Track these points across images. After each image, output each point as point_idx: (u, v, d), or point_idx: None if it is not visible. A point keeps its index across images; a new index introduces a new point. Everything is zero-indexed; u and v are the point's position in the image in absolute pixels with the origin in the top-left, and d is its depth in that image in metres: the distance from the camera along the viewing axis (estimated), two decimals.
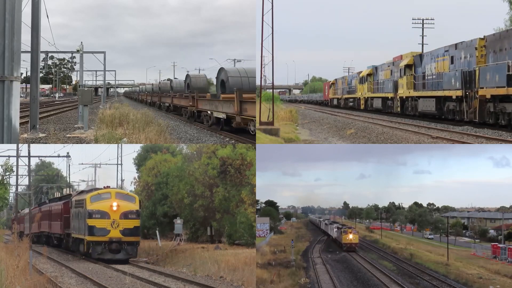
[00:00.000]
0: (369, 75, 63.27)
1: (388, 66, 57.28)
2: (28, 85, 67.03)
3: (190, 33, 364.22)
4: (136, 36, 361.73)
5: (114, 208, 27.23)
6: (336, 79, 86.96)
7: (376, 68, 61.02)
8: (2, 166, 41.73)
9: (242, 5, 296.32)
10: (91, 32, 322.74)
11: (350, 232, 41.02)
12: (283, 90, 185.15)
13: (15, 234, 40.68)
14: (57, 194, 57.42)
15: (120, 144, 54.37)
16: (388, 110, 54.13)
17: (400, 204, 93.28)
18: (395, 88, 52.21)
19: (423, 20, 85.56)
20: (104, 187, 29.98)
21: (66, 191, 59.22)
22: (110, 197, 27.86)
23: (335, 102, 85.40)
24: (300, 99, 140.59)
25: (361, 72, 67.93)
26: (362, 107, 64.55)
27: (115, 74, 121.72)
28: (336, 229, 46.26)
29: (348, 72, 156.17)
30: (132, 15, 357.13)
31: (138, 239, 27.52)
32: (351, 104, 71.53)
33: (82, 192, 32.50)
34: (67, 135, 31.45)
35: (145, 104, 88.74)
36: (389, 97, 54.26)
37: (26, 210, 54.24)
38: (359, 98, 66.83)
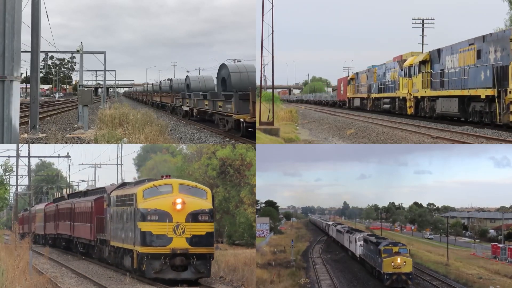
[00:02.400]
0: (423, 63, 42.73)
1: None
2: (28, 85, 67.04)
3: (189, 33, 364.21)
4: (135, 36, 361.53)
5: (178, 207, 19.81)
6: (357, 73, 70.93)
7: (439, 51, 40.26)
8: (2, 166, 41.73)
9: (241, 5, 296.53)
10: (91, 32, 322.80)
11: (397, 253, 24.10)
12: (285, 89, 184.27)
13: (15, 234, 40.65)
14: (57, 194, 57.32)
15: (120, 144, 54.39)
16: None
17: (400, 204, 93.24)
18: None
19: (423, 20, 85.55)
20: (162, 176, 21.97)
21: (66, 191, 59.13)
22: (172, 190, 20.53)
23: (356, 103, 68.08)
24: (306, 99, 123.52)
25: (403, 59, 49.75)
26: (409, 111, 45.55)
27: (115, 74, 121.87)
28: (364, 244, 29.68)
29: (348, 72, 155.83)
30: (131, 15, 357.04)
31: (212, 251, 20.06)
32: (386, 106, 53.67)
33: (123, 184, 25.63)
34: (67, 135, 31.44)
35: (155, 107, 75.44)
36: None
37: (40, 206, 49.12)
38: (402, 98, 48.25)
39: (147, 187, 20.62)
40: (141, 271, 20.33)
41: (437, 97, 39.06)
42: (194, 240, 19.56)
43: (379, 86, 57.25)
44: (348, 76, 76.69)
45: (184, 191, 20.46)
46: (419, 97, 43.08)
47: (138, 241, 20.02)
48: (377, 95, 58.21)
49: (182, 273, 19.54)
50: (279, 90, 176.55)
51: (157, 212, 19.71)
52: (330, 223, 58.11)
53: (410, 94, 45.44)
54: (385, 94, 54.53)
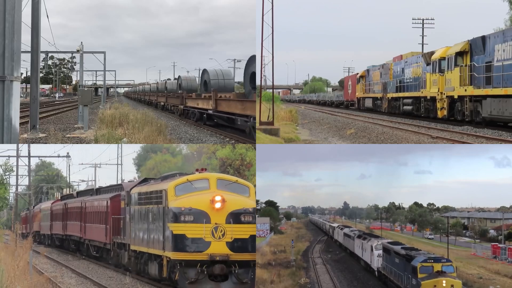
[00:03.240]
0: (460, 54, 35.11)
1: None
2: (28, 85, 67.05)
3: (189, 33, 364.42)
4: (135, 36, 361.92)
5: (218, 205, 17.00)
6: (367, 70, 63.15)
7: (483, 38, 32.72)
8: (1, 166, 41.74)
9: (240, 5, 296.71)
10: (90, 32, 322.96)
11: (441, 273, 17.55)
12: (287, 89, 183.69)
13: (15, 233, 40.59)
14: (57, 194, 57.28)
15: (120, 144, 54.40)
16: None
17: (400, 204, 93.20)
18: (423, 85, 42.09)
19: (423, 20, 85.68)
20: (197, 170, 18.92)
21: (66, 191, 59.11)
22: (209, 186, 17.76)
23: (367, 103, 60.58)
24: (308, 99, 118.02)
25: (429, 52, 42.31)
26: (440, 113, 37.82)
27: (115, 74, 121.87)
28: (384, 254, 23.58)
29: (348, 72, 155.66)
30: (131, 15, 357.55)
31: (255, 257, 17.53)
32: (408, 108, 45.61)
33: (145, 180, 22.82)
34: (67, 135, 31.44)
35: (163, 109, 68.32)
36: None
37: (46, 204, 47.07)
38: (430, 98, 40.56)
39: (179, 182, 17.71)
40: (172, 281, 17.40)
41: (484, 96, 31.19)
42: (236, 245, 16.87)
43: (398, 85, 49.38)
44: (357, 73, 68.40)
45: (223, 187, 17.76)
46: (455, 97, 35.12)
47: (169, 245, 17.13)
48: (394, 95, 50.05)
49: (222, 284, 16.75)
50: (280, 90, 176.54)
51: (192, 212, 16.91)
52: (335, 225, 51.64)
53: (441, 93, 37.54)
54: (406, 94, 46.83)
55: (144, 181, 22.74)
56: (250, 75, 34.82)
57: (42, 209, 46.13)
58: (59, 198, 43.90)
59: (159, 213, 18.24)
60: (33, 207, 53.54)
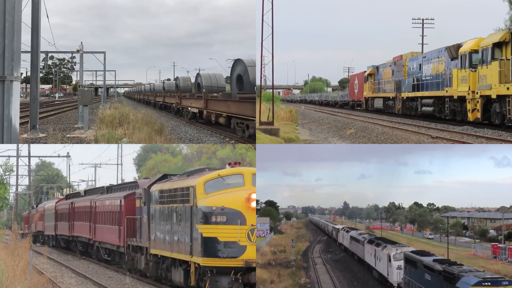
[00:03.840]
0: (498, 45, 29.43)
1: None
2: (28, 85, 67.07)
3: (189, 33, 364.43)
4: (135, 36, 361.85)
5: (254, 204, 15.27)
6: (377, 67, 57.78)
7: None
8: (1, 166, 41.73)
9: (240, 5, 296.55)
10: (90, 32, 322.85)
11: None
12: (288, 89, 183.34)
13: (15, 233, 40.57)
14: (57, 194, 57.29)
15: (120, 144, 54.42)
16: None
17: (400, 204, 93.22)
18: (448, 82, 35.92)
19: (423, 20, 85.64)
20: (229, 164, 16.80)
21: (66, 191, 59.09)
22: (243, 182, 15.86)
23: (377, 104, 55.05)
24: (310, 99, 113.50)
25: (455, 45, 35.67)
26: (472, 116, 32.30)
27: (115, 74, 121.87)
28: (408, 267, 19.13)
29: (348, 72, 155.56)
30: (130, 15, 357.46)
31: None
32: (428, 109, 39.56)
33: (164, 177, 20.77)
34: (67, 135, 31.44)
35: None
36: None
37: (50, 203, 45.53)
38: (457, 97, 34.52)
39: (209, 178, 15.81)
40: None
41: None
42: None
43: (414, 83, 43.41)
44: (365, 71, 62.88)
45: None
46: (493, 97, 29.35)
47: (198, 250, 15.29)
48: (411, 94, 44.10)
49: None
50: (281, 89, 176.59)
51: (225, 212, 15.06)
52: (339, 226, 47.55)
53: (473, 92, 32.15)
54: (426, 93, 40.45)
55: (164, 177, 20.64)
56: (236, 78, 37.25)
57: (46, 209, 44.91)
58: (64, 197, 42.48)
59: (185, 213, 16.34)
60: (36, 206, 52.72)
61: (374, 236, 33.37)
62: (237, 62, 37.81)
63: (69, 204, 36.09)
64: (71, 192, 45.29)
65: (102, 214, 27.79)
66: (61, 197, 45.41)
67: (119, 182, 51.91)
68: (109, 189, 29.75)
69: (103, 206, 27.71)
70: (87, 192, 35.76)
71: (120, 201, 24.63)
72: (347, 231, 38.48)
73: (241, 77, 37.06)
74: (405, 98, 45.91)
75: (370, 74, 59.67)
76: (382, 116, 49.24)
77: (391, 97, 50.41)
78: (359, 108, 65.28)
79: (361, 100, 64.25)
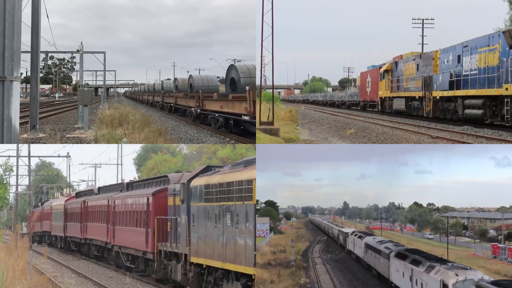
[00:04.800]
0: None
1: None
2: (28, 85, 67.07)
3: (188, 34, 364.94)
4: (134, 37, 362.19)
5: None
6: (395, 62, 50.27)
7: None
8: (1, 166, 41.70)
9: (239, 5, 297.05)
10: (90, 32, 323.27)
11: None
12: (291, 89, 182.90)
13: (16, 233, 40.47)
14: (57, 194, 57.24)
15: (120, 144, 54.41)
16: None
17: (400, 204, 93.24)
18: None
19: (423, 20, 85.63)
20: None
21: (66, 191, 59.05)
22: None
23: (397, 105, 47.21)
24: (312, 99, 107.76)
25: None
26: None
27: (115, 74, 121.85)
28: None
29: (348, 72, 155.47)
30: (130, 15, 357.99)
31: None
32: (475, 112, 32.00)
33: (208, 169, 18.17)
34: (67, 135, 31.43)
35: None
36: None
37: (58, 202, 42.72)
38: None
39: None
40: None
41: None
42: None
43: (452, 79, 35.24)
44: (379, 67, 55.64)
45: None
46: None
47: None
48: (447, 93, 35.86)
49: None
50: (282, 89, 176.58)
51: None
52: (347, 230, 40.70)
53: None
54: (472, 92, 32.53)
55: (207, 169, 17.96)
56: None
57: (54, 207, 42.28)
58: (72, 195, 39.93)
59: (246, 213, 13.89)
60: (42, 204, 51.42)
61: (403, 246, 24.89)
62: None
63: (81, 203, 33.19)
64: (85, 189, 41.59)
65: (124, 214, 24.82)
66: (70, 195, 42.75)
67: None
68: (130, 185, 26.95)
69: (125, 205, 24.77)
70: (101, 189, 32.90)
71: (148, 199, 21.64)
72: (360, 237, 31.22)
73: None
74: (438, 98, 37.58)
75: (387, 71, 51.98)
76: (382, 116, 48.79)
77: (416, 97, 42.00)
78: (371, 110, 58.34)
79: (375, 100, 56.89)
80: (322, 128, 40.30)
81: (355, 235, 33.66)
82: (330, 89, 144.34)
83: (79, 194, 37.56)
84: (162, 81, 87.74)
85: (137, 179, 30.39)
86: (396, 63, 50.12)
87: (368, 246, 27.81)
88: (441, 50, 38.76)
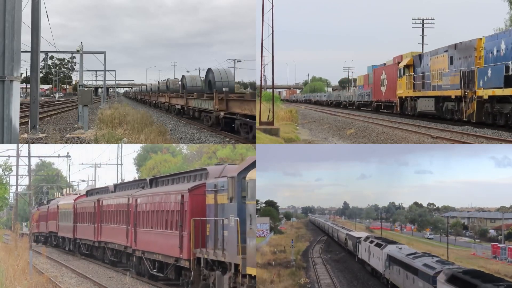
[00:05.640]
0: None
1: None
2: (28, 85, 67.08)
3: (188, 34, 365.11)
4: (134, 37, 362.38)
5: None
6: (419, 55, 43.80)
7: None
8: (0, 166, 41.68)
9: (239, 5, 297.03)
10: (89, 32, 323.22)
11: None
12: (293, 89, 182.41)
13: (16, 233, 40.44)
14: (57, 194, 57.20)
15: (120, 144, 54.40)
16: None
17: (400, 204, 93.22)
18: None
19: (423, 20, 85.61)
20: None
21: (66, 191, 59.00)
22: None
23: (423, 106, 40.03)
24: (315, 99, 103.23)
25: None
26: None
27: (115, 74, 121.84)
28: None
29: (348, 72, 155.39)
30: (130, 15, 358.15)
31: None
32: None
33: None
34: (67, 135, 31.43)
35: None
36: None
37: (65, 200, 39.87)
38: None
39: None
40: None
41: None
42: None
43: (510, 73, 27.96)
44: (397, 62, 49.15)
45: None
46: None
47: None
48: (500, 92, 28.56)
49: None
50: (284, 89, 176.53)
51: None
52: (358, 234, 34.46)
53: None
54: None
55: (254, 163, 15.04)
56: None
57: (61, 206, 39.76)
58: (82, 193, 37.27)
59: None
60: (47, 202, 49.88)
61: (450, 264, 18.12)
62: (183, 77, 51.79)
63: (95, 202, 30.37)
64: (93, 188, 38.88)
65: (149, 215, 21.99)
66: (80, 193, 39.71)
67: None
68: (154, 181, 23.80)
69: (151, 203, 21.81)
70: (118, 187, 30.14)
71: (182, 196, 18.69)
72: (379, 245, 24.76)
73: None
74: (484, 98, 30.52)
75: (407, 66, 45.01)
76: (382, 116, 48.18)
77: (452, 97, 34.74)
78: (385, 112, 52.41)
79: (392, 100, 50.47)
80: (322, 128, 40.30)
81: (371, 242, 27.07)
82: (330, 89, 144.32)
83: (90, 193, 35.20)
84: (167, 79, 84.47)
85: (161, 175, 26.06)
86: (420, 56, 43.53)
87: (393, 260, 21.04)
88: (487, 38, 32.07)
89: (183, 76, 64.88)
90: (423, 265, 17.33)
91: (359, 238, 31.15)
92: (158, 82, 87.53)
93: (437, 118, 38.05)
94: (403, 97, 45.86)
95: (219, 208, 16.22)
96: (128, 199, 24.68)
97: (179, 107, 49.21)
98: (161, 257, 20.40)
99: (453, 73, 35.29)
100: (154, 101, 71.51)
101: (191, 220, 17.67)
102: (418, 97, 41.67)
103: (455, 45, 36.02)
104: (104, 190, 32.38)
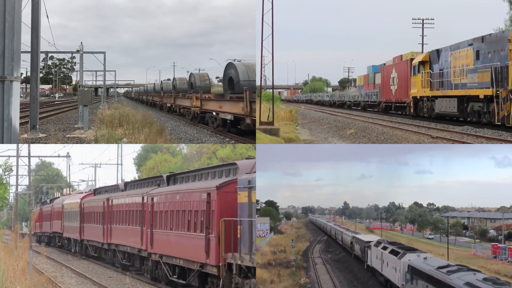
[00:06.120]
0: None
1: None
2: (28, 85, 67.07)
3: (188, 34, 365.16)
4: (134, 37, 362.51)
5: None
6: (437, 50, 38.76)
7: None
8: (1, 166, 41.66)
9: (238, 5, 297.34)
10: (89, 32, 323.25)
11: None
12: (289, 89, 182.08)
13: (16, 233, 40.43)
14: (57, 194, 57.20)
15: (120, 144, 54.40)
16: None
17: (400, 204, 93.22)
18: None
19: (423, 20, 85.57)
20: None
21: (66, 191, 58.97)
22: None
23: (444, 106, 35.58)
24: (316, 99, 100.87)
25: None
26: None
27: (115, 74, 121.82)
28: None
29: (348, 72, 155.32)
30: (130, 15, 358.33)
31: None
32: None
33: None
34: (67, 135, 31.42)
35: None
36: None
37: (71, 199, 38.02)
38: None
39: None
40: None
41: None
42: None
43: None
44: (411, 58, 45.24)
45: None
46: None
47: None
48: None
49: None
50: (285, 89, 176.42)
51: None
52: (368, 238, 30.14)
53: None
54: None
55: None
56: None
57: (66, 206, 37.96)
58: (91, 192, 35.31)
59: None
60: (50, 201, 48.37)
61: (493, 278, 13.87)
62: (191, 75, 52.02)
63: (104, 201, 28.46)
64: (101, 186, 36.12)
65: (167, 215, 20.12)
66: (88, 192, 37.55)
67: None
68: (172, 178, 21.96)
69: (169, 203, 19.93)
70: (129, 185, 28.08)
71: (209, 194, 16.72)
72: (395, 252, 20.29)
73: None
74: None
75: (423, 62, 40.68)
76: (382, 115, 48.11)
77: (481, 96, 30.35)
78: (395, 113, 48.73)
79: (404, 100, 46.50)
80: (322, 128, 40.29)
81: (384, 248, 22.68)
82: (330, 89, 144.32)
83: (98, 191, 33.32)
84: (174, 78, 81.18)
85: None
86: (437, 51, 38.55)
87: (417, 273, 16.62)
88: None
89: (191, 74, 61.92)
90: (465, 284, 13.13)
91: (369, 242, 27.55)
92: (174, 79, 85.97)
93: (460, 121, 34.27)
94: (418, 97, 41.32)
95: (254, 207, 14.86)
96: (143, 198, 22.68)
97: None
98: (183, 262, 18.33)
99: (482, 69, 30.61)
100: (158, 102, 69.60)
101: (220, 221, 15.88)
102: (436, 97, 37.13)
103: (483, 38, 31.65)
104: (114, 188, 30.62)
